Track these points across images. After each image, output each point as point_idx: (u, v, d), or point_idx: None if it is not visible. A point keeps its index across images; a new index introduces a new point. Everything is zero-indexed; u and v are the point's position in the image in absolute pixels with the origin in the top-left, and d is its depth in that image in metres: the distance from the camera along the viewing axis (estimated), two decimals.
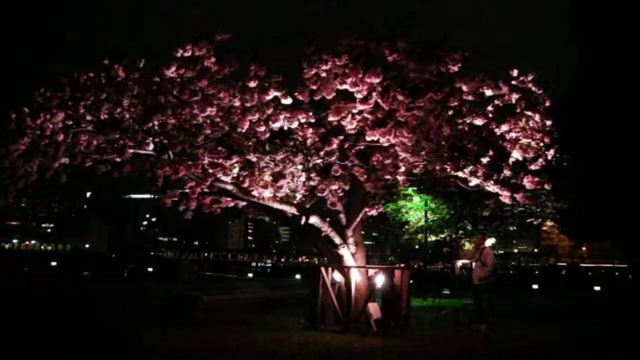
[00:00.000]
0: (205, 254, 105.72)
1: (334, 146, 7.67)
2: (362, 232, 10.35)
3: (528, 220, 19.25)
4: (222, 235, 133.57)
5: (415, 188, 17.78)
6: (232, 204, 9.66)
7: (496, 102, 7.50)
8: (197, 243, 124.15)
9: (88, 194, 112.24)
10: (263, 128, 7.39)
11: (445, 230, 20.38)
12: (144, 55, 7.02)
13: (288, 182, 8.42)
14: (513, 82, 7.69)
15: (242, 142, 7.68)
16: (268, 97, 7.14)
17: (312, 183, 8.65)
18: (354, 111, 7.30)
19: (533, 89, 7.85)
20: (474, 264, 9.86)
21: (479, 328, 9.14)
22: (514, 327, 9.60)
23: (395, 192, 17.93)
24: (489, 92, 7.27)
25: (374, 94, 7.02)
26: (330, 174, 8.01)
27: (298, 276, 30.24)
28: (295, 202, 8.89)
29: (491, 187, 7.21)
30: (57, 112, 6.92)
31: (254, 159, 7.88)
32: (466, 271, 10.76)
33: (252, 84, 7.11)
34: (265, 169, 8.18)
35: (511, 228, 19.55)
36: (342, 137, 7.68)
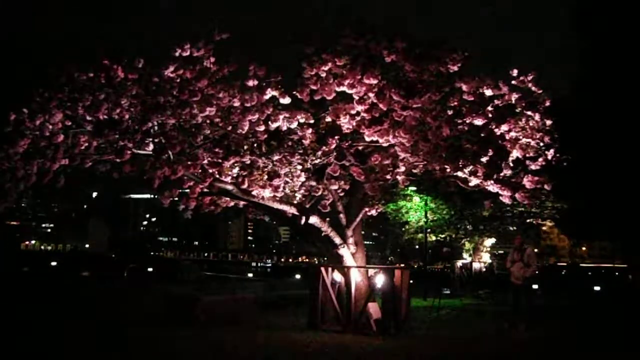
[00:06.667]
0: (205, 254, 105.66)
1: (332, 146, 7.65)
2: (362, 232, 10.34)
3: (528, 220, 19.27)
4: (222, 235, 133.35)
5: (415, 188, 17.81)
6: (232, 204, 9.65)
7: (496, 102, 7.50)
8: (197, 243, 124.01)
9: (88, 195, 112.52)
10: (262, 128, 7.38)
11: (446, 230, 20.40)
12: (143, 55, 7.01)
13: (287, 182, 8.41)
14: (513, 82, 7.68)
15: (240, 142, 7.66)
16: (266, 97, 7.14)
17: (311, 183, 8.64)
18: (352, 112, 7.29)
19: (533, 88, 7.85)
20: (509, 263, 10.09)
21: (518, 328, 9.20)
22: (513, 327, 9.58)
23: (395, 192, 17.97)
24: (488, 92, 7.26)
25: (370, 94, 7.01)
26: (327, 174, 7.99)
27: (298, 276, 30.21)
28: (295, 202, 8.88)
29: (491, 187, 7.19)
30: (56, 113, 6.89)
31: (249, 162, 7.88)
32: (466, 271, 10.77)
33: (252, 84, 7.10)
34: (265, 169, 8.17)
35: (511, 228, 19.56)
36: (339, 137, 7.67)
